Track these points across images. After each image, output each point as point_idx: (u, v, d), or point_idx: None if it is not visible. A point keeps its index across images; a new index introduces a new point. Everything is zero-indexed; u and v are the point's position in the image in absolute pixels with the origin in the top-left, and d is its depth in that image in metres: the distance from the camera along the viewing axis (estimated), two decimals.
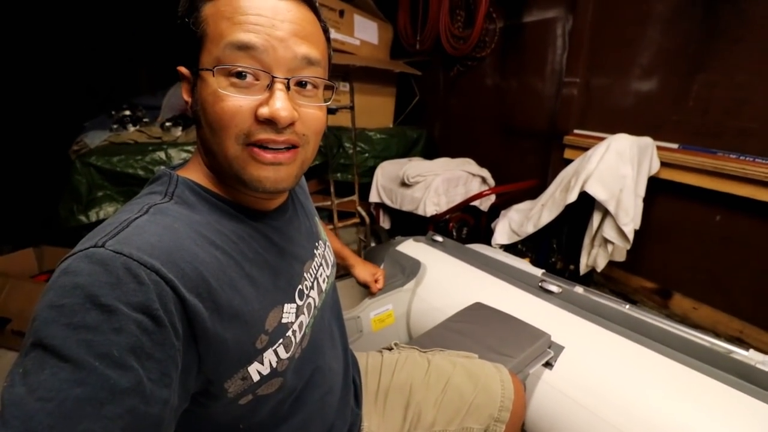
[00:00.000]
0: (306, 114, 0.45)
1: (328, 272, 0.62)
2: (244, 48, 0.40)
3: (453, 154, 2.47)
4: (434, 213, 2.06)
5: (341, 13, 2.33)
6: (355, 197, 2.25)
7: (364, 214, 2.27)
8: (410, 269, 1.44)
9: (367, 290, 1.25)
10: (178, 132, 2.20)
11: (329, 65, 0.49)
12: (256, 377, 0.44)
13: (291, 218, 0.56)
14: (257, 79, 0.41)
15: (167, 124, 2.21)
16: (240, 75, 0.40)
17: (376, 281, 1.17)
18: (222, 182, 0.48)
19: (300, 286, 0.52)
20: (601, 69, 1.85)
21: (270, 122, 0.41)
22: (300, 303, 0.51)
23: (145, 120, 2.22)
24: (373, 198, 2.46)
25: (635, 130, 1.60)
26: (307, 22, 0.43)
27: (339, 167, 2.42)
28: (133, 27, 2.87)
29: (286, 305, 0.48)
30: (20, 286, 1.66)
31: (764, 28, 1.34)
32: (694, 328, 1.02)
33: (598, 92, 1.88)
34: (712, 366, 0.79)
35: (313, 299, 0.55)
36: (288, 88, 0.42)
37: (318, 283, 0.57)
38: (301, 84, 0.44)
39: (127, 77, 2.94)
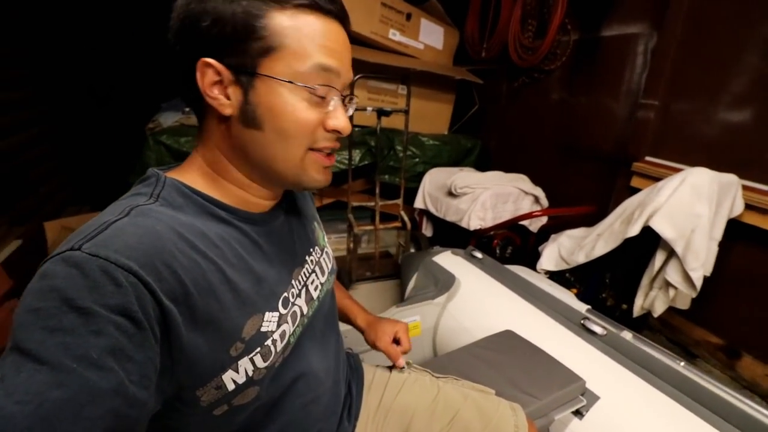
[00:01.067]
0: None
1: (322, 279, 0.60)
2: (328, 70, 0.44)
3: (507, 168, 2.36)
4: (478, 227, 1.98)
5: (408, 17, 2.31)
6: (399, 201, 2.23)
7: (406, 219, 2.24)
8: (444, 283, 1.39)
9: (398, 298, 1.22)
10: None
11: None
12: (231, 386, 0.43)
13: (282, 223, 0.55)
14: (326, 96, 0.46)
15: (186, 109, 2.32)
16: (321, 94, 0.45)
17: (396, 342, 0.78)
18: (224, 183, 0.48)
19: (285, 294, 0.50)
20: (684, 92, 1.66)
21: (335, 132, 0.48)
22: (283, 311, 0.49)
23: None
24: (418, 204, 2.42)
25: (718, 165, 1.42)
26: (351, 52, 0.49)
27: (387, 169, 2.41)
28: None
29: (267, 313, 0.46)
30: None
31: None
32: (763, 400, 0.88)
33: (679, 118, 1.70)
34: None
35: (300, 307, 0.53)
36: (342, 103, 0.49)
37: (307, 290, 0.56)
38: (347, 100, 0.51)
39: None
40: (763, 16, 1.40)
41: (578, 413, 0.82)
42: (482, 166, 2.61)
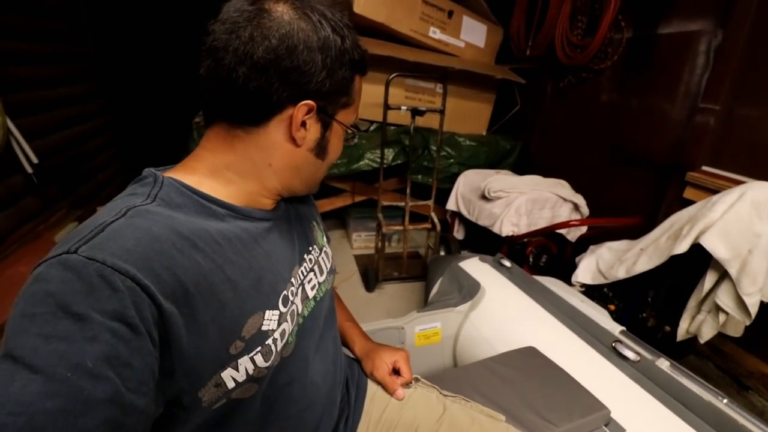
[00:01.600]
0: None
1: (320, 279, 0.60)
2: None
3: (547, 173, 2.25)
4: (510, 234, 1.90)
5: (450, 14, 2.26)
6: (430, 202, 2.20)
7: (436, 220, 2.20)
8: (468, 290, 1.35)
9: (421, 299, 1.19)
10: None
11: None
12: (231, 384, 0.43)
13: (282, 221, 0.56)
14: None
15: None
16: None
17: (395, 372, 0.74)
18: (226, 184, 0.49)
19: (285, 292, 0.50)
20: (751, 97, 1.49)
21: None
22: (284, 310, 0.49)
23: None
24: (451, 206, 2.37)
25: None
26: None
27: (420, 169, 2.38)
28: None
29: (267, 312, 0.47)
30: None
31: None
32: None
33: (743, 125, 1.53)
34: None
35: (297, 306, 0.53)
36: None
37: (304, 289, 0.56)
38: None
39: None
40: None
41: None
42: (521, 169, 2.50)
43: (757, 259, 1.13)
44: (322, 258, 0.63)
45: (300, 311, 0.55)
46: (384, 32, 2.13)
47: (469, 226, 2.40)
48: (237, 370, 0.44)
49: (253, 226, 0.50)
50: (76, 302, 0.32)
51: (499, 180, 2.05)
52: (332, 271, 0.66)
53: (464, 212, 2.27)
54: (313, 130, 0.51)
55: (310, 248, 0.60)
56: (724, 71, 1.53)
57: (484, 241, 2.22)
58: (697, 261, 1.31)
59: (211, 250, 0.43)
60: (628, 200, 2.01)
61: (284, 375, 0.51)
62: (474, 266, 1.45)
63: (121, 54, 2.98)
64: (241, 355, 0.44)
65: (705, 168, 1.64)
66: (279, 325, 0.48)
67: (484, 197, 2.08)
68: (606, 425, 0.78)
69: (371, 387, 0.71)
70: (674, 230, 1.35)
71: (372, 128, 2.42)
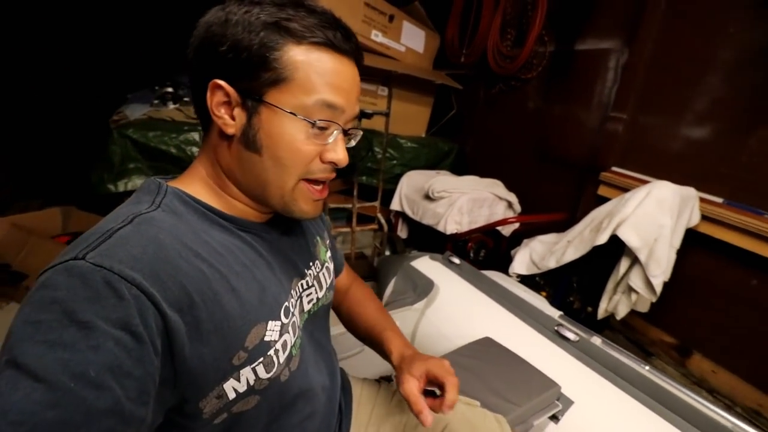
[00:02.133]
0: None
1: (319, 294, 0.60)
2: (332, 107, 0.45)
3: (482, 173, 2.42)
4: (454, 232, 2.02)
5: (391, 18, 2.31)
6: (376, 203, 2.23)
7: (383, 221, 2.25)
8: (422, 288, 1.40)
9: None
10: None
11: None
12: (231, 395, 0.43)
13: (283, 233, 0.55)
14: (327, 129, 0.47)
15: None
16: (322, 128, 0.46)
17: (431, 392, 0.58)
18: (225, 196, 0.49)
19: (287, 303, 0.50)
20: (651, 108, 1.77)
21: (331, 164, 0.48)
22: (285, 321, 0.49)
23: (185, 99, 2.26)
24: (395, 206, 2.44)
25: (678, 178, 1.52)
26: (360, 87, 0.50)
27: (366, 170, 2.41)
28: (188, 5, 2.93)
29: (270, 322, 0.46)
30: (41, 245, 1.71)
31: None
32: (710, 394, 0.95)
33: (644, 132, 1.80)
34: None
35: (296, 318, 0.53)
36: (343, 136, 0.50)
37: (302, 302, 0.56)
38: (347, 133, 0.51)
39: (175, 53, 3.00)
40: (724, 42, 1.51)
41: (554, 418, 0.86)
42: (459, 170, 2.65)
43: (661, 246, 1.35)
44: (323, 273, 0.62)
45: (299, 324, 0.54)
46: None
47: (412, 225, 2.48)
48: (238, 380, 0.43)
49: (255, 238, 0.50)
50: (82, 310, 0.32)
51: (442, 181, 2.16)
52: (332, 287, 0.65)
53: (408, 212, 2.35)
54: (241, 117, 0.45)
55: (311, 263, 0.60)
56: (630, 85, 1.79)
57: (427, 239, 2.32)
58: (613, 250, 1.51)
59: (214, 260, 0.43)
60: (553, 197, 2.24)
61: (293, 388, 0.51)
62: (425, 265, 1.51)
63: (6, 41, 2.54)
64: (243, 365, 0.43)
65: (615, 169, 1.90)
66: (280, 336, 0.48)
67: (428, 197, 2.17)
68: (558, 399, 0.88)
69: (355, 391, 0.71)
70: (595, 224, 1.55)
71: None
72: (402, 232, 2.55)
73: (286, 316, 0.50)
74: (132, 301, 0.34)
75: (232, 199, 0.49)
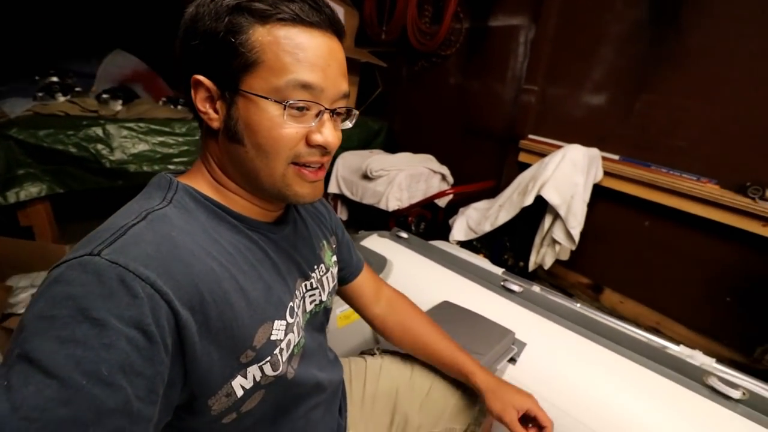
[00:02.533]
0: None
1: (323, 297, 0.61)
2: (309, 87, 0.43)
3: (413, 149, 2.51)
4: (396, 208, 2.08)
5: None
6: None
7: None
8: (376, 266, 1.44)
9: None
10: (117, 106, 1.99)
11: None
12: (239, 392, 0.44)
13: (290, 234, 0.55)
14: (309, 110, 0.45)
15: (104, 96, 1.98)
16: (300, 108, 0.44)
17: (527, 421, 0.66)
18: (227, 192, 0.48)
19: (291, 303, 0.51)
20: (557, 79, 1.97)
21: (319, 147, 0.46)
22: (290, 321, 0.50)
23: (77, 89, 1.96)
24: (332, 189, 2.43)
25: (584, 140, 1.74)
26: (344, 60, 0.48)
27: None
28: None
29: (276, 322, 0.47)
30: None
31: (702, 59, 1.53)
32: (623, 320, 1.15)
33: (553, 101, 2.01)
34: (652, 360, 0.90)
35: (299, 318, 0.54)
36: (331, 116, 0.47)
37: (305, 302, 0.57)
38: (336, 113, 0.48)
39: (58, 35, 2.56)
40: (613, 17, 1.73)
41: (512, 360, 0.97)
42: (390, 147, 2.71)
43: (577, 202, 1.55)
44: (327, 277, 0.62)
45: (302, 324, 0.54)
46: None
47: (351, 205, 2.50)
48: (245, 377, 0.44)
49: (263, 238, 0.50)
50: (96, 307, 0.32)
51: (378, 160, 2.19)
52: (333, 291, 0.65)
53: (347, 193, 2.36)
54: (222, 109, 0.44)
55: (316, 266, 0.60)
56: (538, 59, 1.97)
57: (367, 218, 2.36)
58: (537, 209, 1.70)
59: (224, 259, 0.43)
60: (480, 167, 2.41)
61: (295, 384, 0.51)
62: (375, 242, 1.55)
63: None
64: (250, 363, 0.44)
65: (531, 136, 2.10)
66: (285, 335, 0.48)
67: (366, 177, 2.19)
68: (513, 344, 0.99)
69: (345, 369, 0.73)
70: (521, 187, 1.72)
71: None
72: (342, 213, 2.56)
73: (291, 316, 0.50)
74: (145, 299, 0.34)
75: (234, 195, 0.48)
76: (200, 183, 0.48)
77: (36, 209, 1.72)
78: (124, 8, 2.54)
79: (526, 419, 0.65)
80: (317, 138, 0.45)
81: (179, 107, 2.18)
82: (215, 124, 0.45)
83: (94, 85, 2.16)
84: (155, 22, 2.49)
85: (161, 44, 2.42)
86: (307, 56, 0.42)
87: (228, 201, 0.48)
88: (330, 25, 0.44)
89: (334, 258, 0.67)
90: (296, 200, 0.48)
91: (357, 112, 0.52)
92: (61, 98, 1.85)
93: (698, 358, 0.89)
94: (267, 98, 0.42)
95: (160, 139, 1.95)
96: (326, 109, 0.45)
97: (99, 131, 1.78)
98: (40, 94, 1.83)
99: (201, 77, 0.43)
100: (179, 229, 0.40)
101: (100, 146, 1.78)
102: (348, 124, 0.52)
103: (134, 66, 2.32)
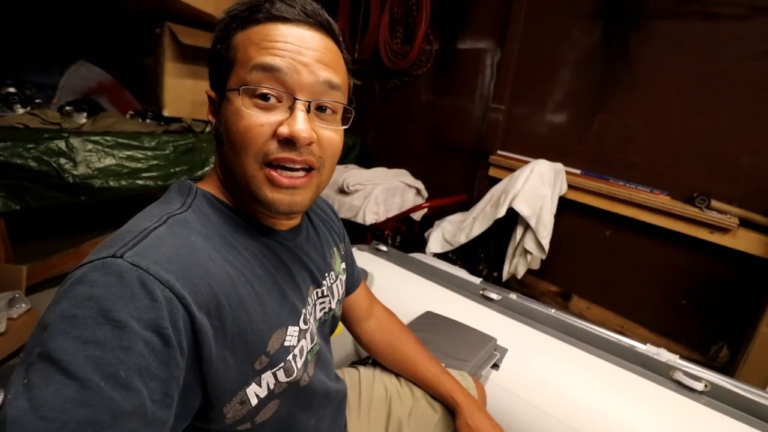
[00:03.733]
0: (324, 136, 0.46)
1: (332, 304, 0.61)
2: (270, 69, 0.41)
3: (387, 164, 2.56)
4: (373, 221, 2.10)
5: None
6: None
7: None
8: None
9: None
10: (82, 119, 1.91)
11: (349, 92, 0.51)
12: (254, 401, 0.44)
13: (303, 241, 0.56)
14: (279, 101, 0.43)
15: (68, 108, 1.89)
16: (264, 97, 0.42)
17: None
18: (237, 199, 0.49)
19: (304, 310, 0.51)
20: (522, 99, 2.10)
21: (289, 142, 0.42)
22: (303, 327, 0.50)
23: (37, 101, 1.87)
24: None
25: (548, 156, 1.85)
26: (329, 51, 0.45)
27: None
28: None
29: (290, 328, 0.47)
30: None
31: (650, 83, 1.68)
32: (598, 325, 1.23)
33: (519, 119, 2.13)
34: (623, 359, 0.96)
35: (312, 325, 0.54)
36: (308, 110, 0.43)
37: (315, 309, 0.57)
38: (321, 108, 0.46)
39: (5, 45, 2.43)
40: (570, 44, 1.87)
41: (495, 366, 1.00)
42: (364, 162, 2.75)
43: (545, 213, 1.64)
44: (337, 285, 0.63)
45: (315, 330, 0.55)
46: (213, 24, 1.98)
47: None
48: (260, 385, 0.44)
49: (277, 245, 0.50)
50: (117, 309, 0.32)
51: (354, 174, 2.22)
52: (342, 300, 0.66)
53: None
54: (218, 116, 0.47)
55: (327, 274, 0.60)
56: (504, 80, 2.09)
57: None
58: (509, 220, 1.78)
59: (240, 264, 0.43)
60: (453, 181, 2.49)
61: (308, 392, 0.51)
62: (356, 256, 1.55)
63: None
64: (264, 370, 0.44)
65: (500, 152, 2.20)
66: (299, 341, 0.49)
67: (342, 191, 2.21)
68: (495, 350, 1.03)
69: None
70: (494, 200, 1.80)
71: (208, 129, 2.21)
72: None
73: (305, 323, 0.51)
74: (164, 303, 0.34)
75: (243, 203, 0.49)
76: (214, 189, 0.49)
77: None
78: (87, 18, 2.46)
79: None
80: (282, 129, 0.42)
81: (148, 120, 2.12)
82: (216, 129, 0.47)
83: (56, 96, 2.06)
84: (120, 34, 2.43)
85: (127, 56, 2.36)
86: (272, 44, 0.42)
87: (241, 207, 0.49)
88: (306, 17, 0.43)
89: (343, 265, 0.67)
90: (270, 207, 0.44)
91: (352, 111, 0.49)
92: (20, 110, 1.75)
93: (664, 356, 0.96)
94: (235, 90, 0.42)
95: (128, 153, 1.88)
96: (298, 99, 0.42)
97: (62, 144, 1.69)
98: None
99: (209, 91, 0.47)
100: (198, 234, 0.41)
101: (62, 160, 1.69)
102: (340, 126, 0.48)
103: (99, 78, 2.23)
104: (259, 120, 0.42)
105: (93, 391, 0.30)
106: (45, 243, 1.88)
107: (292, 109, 0.42)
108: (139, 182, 1.90)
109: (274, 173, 0.43)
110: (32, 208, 1.66)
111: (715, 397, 0.84)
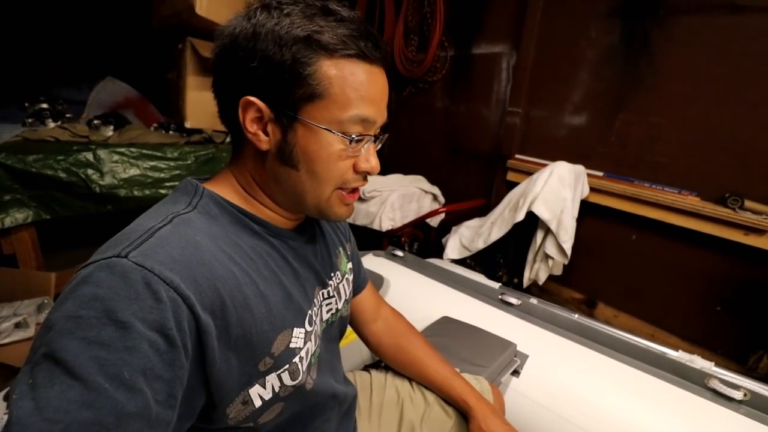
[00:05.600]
0: None
1: (339, 305, 0.61)
2: (366, 120, 0.45)
3: (403, 171, 2.55)
4: (390, 228, 2.09)
5: None
6: None
7: None
8: (374, 284, 1.44)
9: None
10: (108, 131, 1.99)
11: None
12: (258, 402, 0.43)
13: (308, 241, 0.56)
14: (362, 141, 0.47)
15: (96, 122, 1.98)
16: (357, 141, 0.46)
17: None
18: (253, 202, 0.49)
19: (310, 312, 0.51)
20: (539, 102, 2.06)
21: (365, 173, 0.49)
22: (309, 329, 0.50)
23: (67, 115, 1.96)
24: None
25: (568, 158, 1.80)
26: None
27: None
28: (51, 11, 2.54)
29: (295, 329, 0.47)
30: None
31: (672, 80, 1.62)
32: (625, 331, 1.17)
33: (537, 122, 2.10)
34: (652, 366, 0.91)
35: (317, 327, 0.54)
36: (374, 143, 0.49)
37: (322, 311, 0.57)
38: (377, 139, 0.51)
39: (39, 65, 2.57)
40: (588, 44, 1.84)
41: (515, 372, 0.97)
42: (380, 170, 2.75)
43: (566, 216, 1.59)
44: (343, 285, 0.63)
45: (319, 333, 0.54)
46: None
47: None
48: (264, 387, 0.44)
49: (283, 245, 0.50)
50: (122, 309, 0.32)
51: (370, 181, 2.22)
52: (349, 300, 0.66)
53: None
54: (276, 133, 0.45)
55: (333, 274, 0.60)
56: (521, 83, 2.06)
57: (360, 239, 2.35)
58: (529, 225, 1.73)
59: (245, 264, 0.43)
60: (470, 186, 2.46)
61: (313, 395, 0.51)
62: (371, 262, 1.55)
63: None
64: (269, 372, 0.44)
65: (518, 156, 2.17)
66: (305, 343, 0.48)
67: (358, 198, 2.21)
68: (515, 356, 0.99)
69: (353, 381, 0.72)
70: (512, 204, 1.76)
71: (228, 140, 2.27)
72: None
73: (310, 324, 0.50)
74: (168, 303, 0.34)
75: (261, 205, 0.50)
76: (227, 191, 0.48)
77: (21, 236, 1.67)
78: (115, 37, 2.58)
79: None
80: (365, 165, 0.48)
81: (171, 132, 2.19)
82: (264, 146, 0.45)
83: (85, 111, 2.16)
84: (146, 50, 2.54)
85: (152, 71, 2.46)
86: (369, 93, 0.45)
87: (252, 208, 0.49)
88: (386, 60, 0.47)
89: (350, 265, 0.67)
90: (335, 219, 0.51)
91: (387, 135, 0.53)
92: (51, 124, 1.84)
93: (698, 362, 0.91)
94: (330, 130, 0.44)
95: (152, 163, 1.94)
96: (373, 139, 0.48)
97: (89, 156, 1.77)
98: (30, 120, 1.82)
99: (254, 99, 0.43)
100: (203, 234, 0.41)
101: (90, 171, 1.76)
102: (378, 146, 0.53)
103: (126, 93, 2.33)
104: (346, 160, 0.47)
105: (97, 393, 0.30)
106: (74, 252, 1.95)
107: (366, 144, 0.47)
108: (162, 191, 1.95)
109: (346, 195, 0.49)
110: (61, 217, 1.73)
111: (755, 406, 0.78)
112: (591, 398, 0.86)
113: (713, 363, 0.91)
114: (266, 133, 0.45)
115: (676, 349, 0.97)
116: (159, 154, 1.95)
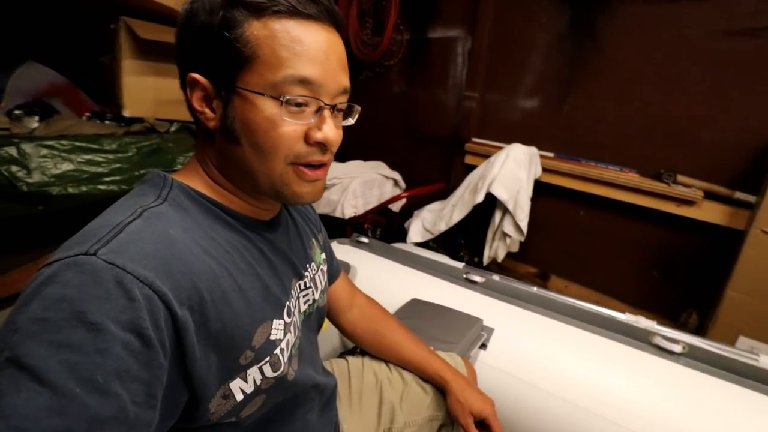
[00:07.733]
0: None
1: (316, 296, 0.60)
2: (305, 82, 0.41)
3: (362, 157, 2.53)
4: (353, 215, 2.08)
5: None
6: None
7: None
8: None
9: None
10: (33, 123, 1.79)
11: None
12: (239, 396, 0.42)
13: (283, 233, 0.54)
14: (307, 106, 0.43)
15: (17, 112, 1.77)
16: (298, 104, 0.42)
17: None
18: (223, 192, 0.47)
19: (288, 303, 0.50)
20: (495, 86, 2.12)
21: (320, 145, 0.44)
22: (288, 320, 0.49)
23: None
24: None
25: (522, 140, 1.88)
26: (345, 55, 0.46)
27: None
28: None
29: (275, 321, 0.46)
30: None
31: (616, 65, 1.73)
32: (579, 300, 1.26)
33: (493, 106, 2.16)
34: (605, 328, 0.99)
35: (296, 318, 0.53)
36: (331, 112, 0.45)
37: (299, 302, 0.56)
38: (336, 109, 0.47)
39: None
40: (540, 28, 1.90)
41: (483, 346, 1.01)
42: (338, 156, 2.71)
43: (522, 196, 1.67)
44: (319, 276, 0.62)
45: (298, 324, 0.53)
46: (174, 19, 1.89)
47: None
48: (245, 380, 0.43)
49: (258, 237, 0.49)
50: (92, 310, 0.30)
51: (330, 168, 2.18)
52: (326, 290, 0.65)
53: None
54: (219, 109, 0.43)
55: (308, 265, 0.59)
56: (476, 68, 2.11)
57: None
58: (488, 205, 1.80)
59: (222, 258, 0.41)
60: (429, 171, 2.50)
61: (294, 386, 0.50)
62: (337, 250, 1.53)
63: None
64: (250, 365, 0.43)
65: (475, 139, 2.22)
66: (284, 335, 0.47)
67: None
68: (482, 330, 1.03)
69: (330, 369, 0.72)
70: (472, 186, 1.81)
71: (173, 129, 2.12)
72: None
73: (289, 316, 0.49)
74: (143, 302, 0.32)
75: (229, 194, 0.47)
76: (195, 181, 0.46)
77: None
78: (34, 16, 2.30)
79: (484, 424, 0.69)
80: (317, 135, 0.43)
81: (107, 122, 2.01)
82: (211, 124, 0.43)
83: (2, 100, 1.92)
84: (71, 31, 2.29)
85: (80, 55, 2.23)
86: (305, 50, 0.40)
87: (224, 199, 0.47)
88: (329, 16, 0.42)
89: (323, 255, 0.66)
90: (294, 200, 0.46)
91: (359, 108, 0.50)
92: None
93: (642, 323, 1.00)
94: (263, 94, 0.40)
95: (87, 157, 1.77)
96: (326, 104, 0.43)
97: (12, 151, 1.58)
98: None
99: (197, 75, 0.42)
100: (177, 227, 0.39)
101: (14, 168, 1.58)
102: (350, 121, 0.50)
103: (50, 79, 2.09)
104: (292, 127, 0.42)
105: (68, 398, 0.28)
106: (1, 258, 1.76)
107: (318, 113, 0.43)
108: (101, 187, 1.80)
109: (303, 169, 0.44)
110: None
111: (692, 357, 0.88)
112: (552, 362, 0.92)
113: (656, 322, 1.01)
114: (213, 111, 0.43)
115: (623, 312, 1.06)
116: (95, 146, 1.78)
